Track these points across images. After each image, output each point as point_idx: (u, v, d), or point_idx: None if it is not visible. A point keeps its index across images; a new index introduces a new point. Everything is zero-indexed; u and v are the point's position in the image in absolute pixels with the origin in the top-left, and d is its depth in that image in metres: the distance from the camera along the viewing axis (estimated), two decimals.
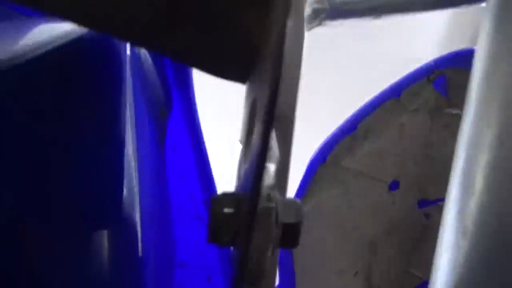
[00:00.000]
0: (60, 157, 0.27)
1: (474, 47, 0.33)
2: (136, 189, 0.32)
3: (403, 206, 0.55)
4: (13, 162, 0.26)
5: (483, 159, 0.26)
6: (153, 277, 0.39)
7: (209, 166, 0.43)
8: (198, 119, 0.42)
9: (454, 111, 0.51)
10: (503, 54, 0.28)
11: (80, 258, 0.33)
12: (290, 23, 0.17)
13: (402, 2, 0.57)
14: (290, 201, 0.23)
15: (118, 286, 0.36)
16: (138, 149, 0.32)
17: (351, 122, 0.48)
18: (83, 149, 0.28)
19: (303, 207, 0.23)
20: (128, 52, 0.29)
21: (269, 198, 0.22)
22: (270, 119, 0.19)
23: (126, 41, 0.27)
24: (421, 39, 0.70)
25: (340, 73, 0.69)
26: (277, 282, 0.51)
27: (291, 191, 0.48)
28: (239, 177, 0.25)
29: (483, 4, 0.41)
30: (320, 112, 0.61)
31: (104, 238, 0.33)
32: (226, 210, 0.23)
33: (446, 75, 0.51)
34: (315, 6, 0.56)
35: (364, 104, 0.48)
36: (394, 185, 0.54)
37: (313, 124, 0.48)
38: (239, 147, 0.25)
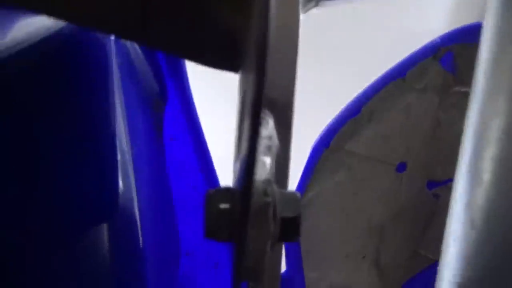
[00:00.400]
0: (49, 152, 0.26)
1: (482, 22, 0.32)
2: (132, 181, 0.31)
3: (411, 188, 0.54)
4: (4, 160, 0.26)
5: (491, 150, 0.25)
6: (155, 268, 0.38)
7: (209, 154, 0.42)
8: (195, 108, 0.41)
9: (463, 89, 0.50)
10: (510, 36, 0.27)
11: (80, 252, 0.32)
12: (273, 9, 0.16)
13: None
14: (289, 194, 0.22)
15: (120, 278, 0.35)
16: (132, 141, 0.31)
17: (354, 105, 0.47)
18: (73, 143, 0.27)
19: (300, 201, 0.22)
20: (112, 44, 0.28)
21: (265, 193, 0.21)
22: (258, 107, 0.18)
23: (108, 34, 0.26)
24: (428, 14, 0.68)
25: (341, 56, 0.67)
26: (284, 268, 0.50)
27: (294, 180, 0.47)
28: (235, 172, 0.24)
29: None
30: (320, 96, 0.60)
31: (103, 231, 0.32)
32: (222, 206, 0.22)
33: (453, 52, 0.49)
34: None
35: (368, 86, 0.46)
36: (401, 167, 0.53)
37: (314, 110, 0.46)
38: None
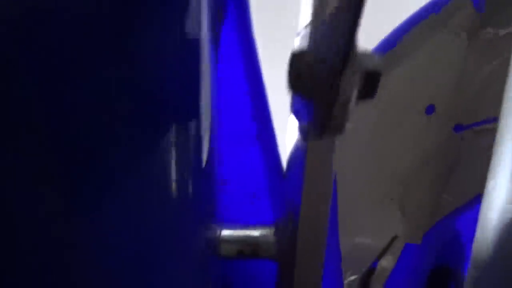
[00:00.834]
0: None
1: None
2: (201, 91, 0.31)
3: (439, 130, 0.55)
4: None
5: None
6: (214, 187, 0.38)
7: (261, 78, 0.42)
8: (252, 28, 0.40)
9: (493, 31, 0.51)
10: None
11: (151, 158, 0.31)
12: None
13: None
14: (367, 52, 0.23)
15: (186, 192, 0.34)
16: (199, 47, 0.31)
17: (390, 40, 0.48)
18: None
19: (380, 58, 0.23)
20: None
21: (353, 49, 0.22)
22: None
23: None
24: None
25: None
26: None
27: None
28: (312, 38, 0.25)
29: None
30: None
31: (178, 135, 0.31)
32: (307, 60, 0.23)
33: None
34: None
35: (405, 20, 0.47)
36: (430, 109, 0.54)
37: None
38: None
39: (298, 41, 0.25)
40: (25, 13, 0.24)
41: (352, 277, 0.57)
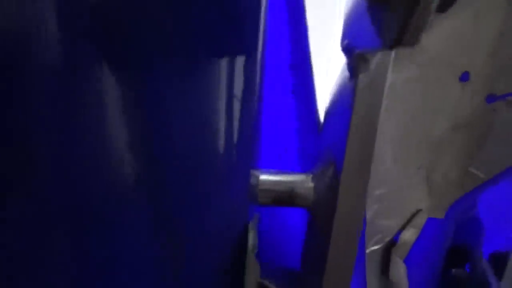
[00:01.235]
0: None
1: None
2: None
3: (472, 99, 0.53)
4: None
5: None
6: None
7: (306, 29, 0.41)
8: None
9: None
10: None
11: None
12: None
13: None
14: None
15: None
16: None
17: None
18: None
19: None
20: None
21: None
22: None
23: None
24: None
25: None
26: None
27: None
28: None
29: None
30: None
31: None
32: None
33: None
34: None
35: None
36: (465, 76, 0.52)
37: None
38: None
39: None
40: None
41: (375, 247, 0.55)
